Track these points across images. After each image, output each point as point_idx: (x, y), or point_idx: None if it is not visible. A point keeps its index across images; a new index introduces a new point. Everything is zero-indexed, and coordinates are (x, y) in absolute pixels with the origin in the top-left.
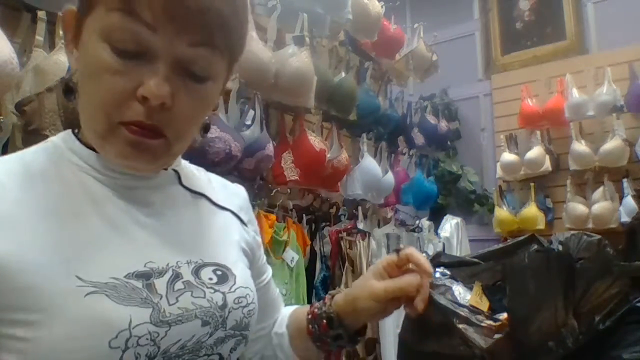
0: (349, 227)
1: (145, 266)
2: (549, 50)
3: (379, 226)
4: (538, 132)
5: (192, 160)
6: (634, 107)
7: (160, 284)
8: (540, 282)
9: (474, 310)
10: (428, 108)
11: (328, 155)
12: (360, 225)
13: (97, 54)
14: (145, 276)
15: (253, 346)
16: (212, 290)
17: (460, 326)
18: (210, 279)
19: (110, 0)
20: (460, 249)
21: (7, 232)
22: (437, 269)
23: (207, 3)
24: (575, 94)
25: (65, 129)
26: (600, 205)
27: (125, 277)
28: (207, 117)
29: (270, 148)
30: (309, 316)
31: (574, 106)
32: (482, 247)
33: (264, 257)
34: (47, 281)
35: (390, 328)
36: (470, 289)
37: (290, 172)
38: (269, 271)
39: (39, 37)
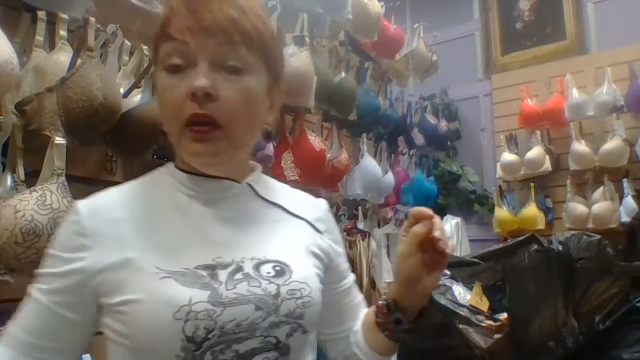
0: (349, 227)
1: (213, 260)
2: (549, 50)
3: (379, 226)
4: (538, 132)
5: None
6: (634, 107)
7: (223, 274)
8: (540, 282)
9: (474, 310)
10: (428, 108)
11: (328, 155)
12: (360, 225)
13: (161, 81)
14: (211, 267)
15: (335, 347)
16: (268, 282)
17: (460, 326)
18: (268, 272)
19: (160, 37)
20: (460, 249)
21: (117, 244)
22: None
23: (219, 13)
24: (575, 94)
25: (65, 129)
26: (600, 205)
27: (194, 267)
28: (267, 125)
29: (270, 148)
30: (376, 308)
31: (574, 106)
32: (482, 247)
33: (345, 265)
34: (138, 272)
35: None
36: (470, 289)
37: (290, 172)
38: (349, 278)
39: (39, 37)
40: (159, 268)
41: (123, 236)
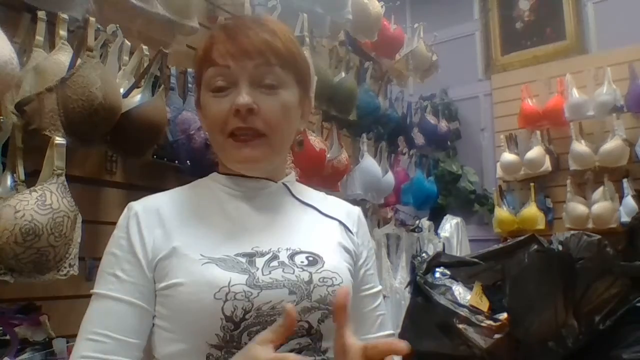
0: None
1: (252, 249)
2: (549, 50)
3: (379, 226)
4: (538, 132)
5: (192, 160)
6: (634, 107)
7: (260, 261)
8: (540, 282)
9: (474, 310)
10: (428, 108)
11: (328, 155)
12: None
13: (207, 101)
14: (250, 255)
15: None
16: (301, 270)
17: (460, 326)
18: (302, 262)
19: (203, 65)
20: (460, 249)
21: (165, 237)
22: (437, 269)
23: (255, 38)
24: (575, 94)
25: (65, 129)
26: (600, 205)
27: (234, 255)
28: (299, 135)
29: None
30: None
31: (574, 106)
32: (482, 247)
33: (372, 271)
34: (183, 259)
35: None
36: (470, 289)
37: None
38: (377, 285)
39: (39, 37)
40: (202, 255)
41: (171, 230)
